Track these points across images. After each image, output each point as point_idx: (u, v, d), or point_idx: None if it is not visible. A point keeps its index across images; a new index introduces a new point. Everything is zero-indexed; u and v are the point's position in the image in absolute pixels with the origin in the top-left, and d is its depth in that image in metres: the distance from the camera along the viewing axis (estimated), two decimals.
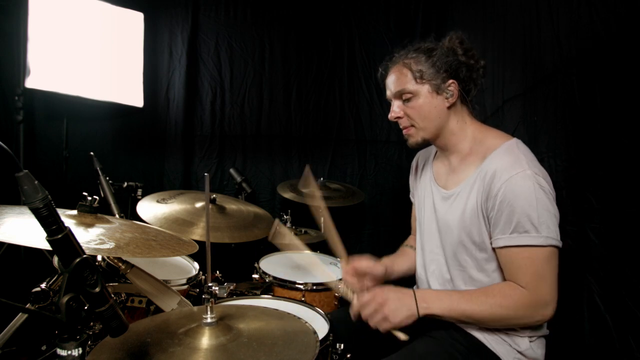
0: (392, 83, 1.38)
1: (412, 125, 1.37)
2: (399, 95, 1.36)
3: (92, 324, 1.45)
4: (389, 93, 1.40)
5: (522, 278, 1.19)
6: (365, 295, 1.28)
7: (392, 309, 1.23)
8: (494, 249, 1.26)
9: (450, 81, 1.32)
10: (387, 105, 3.46)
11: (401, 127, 1.41)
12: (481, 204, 1.25)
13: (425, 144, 1.42)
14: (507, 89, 2.03)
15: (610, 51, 1.31)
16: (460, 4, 2.75)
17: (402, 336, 1.24)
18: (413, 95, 1.33)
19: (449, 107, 1.34)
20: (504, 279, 1.27)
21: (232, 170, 3.05)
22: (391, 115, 1.39)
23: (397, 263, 1.60)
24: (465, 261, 1.33)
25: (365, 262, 1.49)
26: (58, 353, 0.73)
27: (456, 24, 2.81)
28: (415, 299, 1.25)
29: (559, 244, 1.19)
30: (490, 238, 1.26)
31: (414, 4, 3.20)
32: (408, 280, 1.64)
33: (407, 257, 1.65)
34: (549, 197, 1.19)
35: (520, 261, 1.19)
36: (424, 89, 1.32)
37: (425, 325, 1.30)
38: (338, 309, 1.75)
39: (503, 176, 1.20)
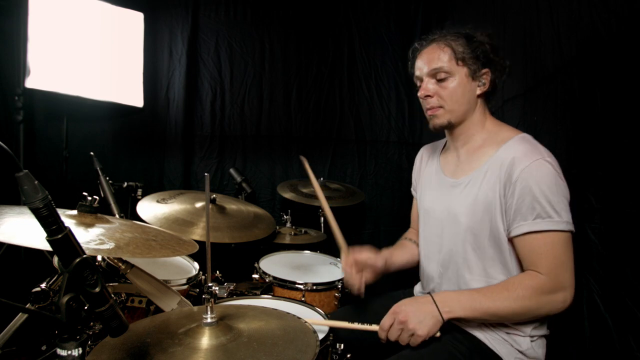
0: (428, 60, 1.36)
1: (441, 107, 1.36)
2: (434, 73, 1.35)
3: (92, 324, 1.45)
4: (419, 72, 1.39)
5: (543, 264, 1.19)
6: (386, 319, 1.27)
7: (416, 322, 1.22)
8: (510, 238, 1.25)
9: (485, 70, 1.33)
10: (387, 105, 3.48)
11: (427, 106, 1.39)
12: (498, 191, 1.25)
13: (446, 128, 1.41)
14: (507, 89, 2.03)
15: (611, 51, 1.31)
16: (460, 4, 2.75)
17: (437, 333, 1.24)
18: (449, 75, 1.33)
19: (478, 96, 1.36)
20: (514, 267, 1.27)
21: (232, 170, 3.05)
22: (421, 93, 1.37)
23: (395, 255, 1.60)
24: (473, 250, 1.32)
25: (365, 254, 1.49)
26: (58, 353, 0.73)
27: (456, 24, 2.80)
28: (436, 304, 1.24)
29: (574, 229, 1.20)
30: (508, 227, 1.25)
31: (414, 4, 3.20)
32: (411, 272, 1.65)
33: (406, 249, 1.65)
34: (565, 183, 1.21)
35: (541, 247, 1.19)
36: (462, 71, 1.33)
37: None
38: (338, 309, 1.75)
39: (523, 162, 1.20)
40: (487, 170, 1.29)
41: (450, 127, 1.40)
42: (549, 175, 1.19)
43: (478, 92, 1.35)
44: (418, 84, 1.41)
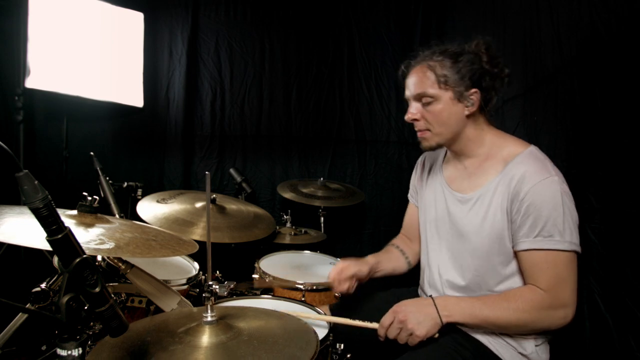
0: (413, 84, 1.35)
1: (428, 130, 1.35)
2: (419, 97, 1.33)
3: (92, 324, 1.45)
4: (408, 93, 1.37)
5: (543, 281, 1.20)
6: (386, 318, 1.28)
7: (415, 323, 1.23)
8: (515, 251, 1.26)
9: (473, 90, 1.30)
10: (387, 105, 3.48)
11: (416, 129, 1.38)
12: (506, 207, 1.25)
13: (437, 149, 1.41)
14: (507, 89, 2.02)
15: (611, 51, 1.31)
16: (460, 4, 2.75)
17: (435, 335, 1.25)
18: (434, 99, 1.31)
19: (467, 116, 1.33)
20: (521, 282, 1.28)
21: (232, 170, 3.05)
22: (408, 117, 1.37)
23: (382, 262, 1.60)
24: (482, 265, 1.32)
25: (347, 270, 1.49)
26: (58, 353, 0.73)
27: (456, 24, 2.81)
28: (436, 307, 1.25)
29: (579, 249, 1.20)
30: (512, 241, 1.25)
31: (414, 4, 3.20)
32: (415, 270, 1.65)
33: (393, 257, 1.65)
34: (572, 204, 1.21)
35: (542, 264, 1.20)
36: (446, 95, 1.30)
37: None
38: (340, 302, 1.73)
39: (531, 180, 1.20)
40: (496, 186, 1.28)
41: (443, 147, 1.40)
42: (556, 195, 1.18)
43: (466, 112, 1.32)
44: (409, 103, 1.40)
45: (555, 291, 1.19)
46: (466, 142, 1.37)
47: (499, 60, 1.33)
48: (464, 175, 1.41)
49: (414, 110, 1.35)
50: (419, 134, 1.39)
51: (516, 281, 1.29)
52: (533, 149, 1.30)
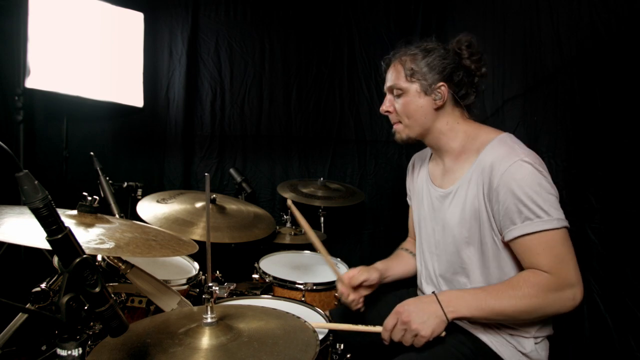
0: (388, 78, 1.41)
1: (400, 122, 1.40)
2: (391, 90, 1.39)
3: (92, 324, 1.45)
4: (384, 87, 1.43)
5: (543, 263, 1.16)
6: (389, 320, 1.25)
7: (419, 323, 1.18)
8: (505, 242, 1.23)
9: (441, 83, 1.32)
10: None
11: (391, 122, 1.43)
12: (483, 198, 1.24)
13: (412, 141, 1.42)
14: (507, 89, 2.03)
15: (611, 51, 1.31)
16: (460, 4, 2.75)
17: (442, 333, 1.21)
18: (403, 92, 1.36)
19: (437, 109, 1.34)
20: (511, 272, 1.26)
21: (232, 170, 3.05)
22: (382, 109, 1.43)
23: (391, 267, 1.59)
24: (468, 258, 1.31)
25: (359, 276, 1.47)
26: (58, 353, 0.73)
27: (456, 24, 2.81)
28: (440, 304, 1.20)
29: (568, 224, 1.18)
30: (501, 233, 1.23)
31: (414, 4, 3.20)
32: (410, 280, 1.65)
33: (402, 260, 1.64)
34: (549, 181, 1.19)
35: (538, 247, 1.16)
36: (413, 87, 1.34)
37: None
38: (340, 307, 1.74)
39: (501, 167, 1.19)
40: (470, 178, 1.29)
41: (416, 140, 1.41)
42: (529, 176, 1.16)
43: (434, 105, 1.34)
44: None
45: (558, 272, 1.15)
46: (439, 135, 1.38)
47: (479, 57, 1.35)
48: (443, 171, 1.43)
49: (387, 103, 1.41)
50: (393, 126, 1.44)
51: (506, 270, 1.27)
52: (504, 135, 1.29)
